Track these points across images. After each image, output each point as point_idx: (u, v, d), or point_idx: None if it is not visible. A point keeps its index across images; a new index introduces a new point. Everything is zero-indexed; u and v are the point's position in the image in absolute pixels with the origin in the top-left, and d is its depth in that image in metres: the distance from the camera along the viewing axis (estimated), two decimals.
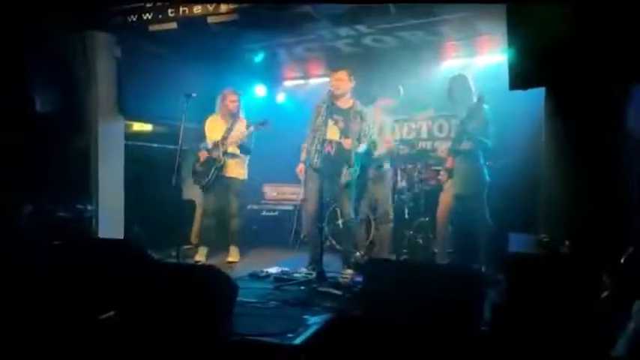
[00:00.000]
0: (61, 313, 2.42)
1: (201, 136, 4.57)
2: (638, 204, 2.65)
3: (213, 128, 4.52)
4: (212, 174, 4.39)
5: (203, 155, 4.45)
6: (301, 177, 4.14)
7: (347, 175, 3.92)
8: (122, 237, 4.40)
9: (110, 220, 4.41)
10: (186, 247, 4.82)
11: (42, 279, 2.71)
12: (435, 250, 4.16)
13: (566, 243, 2.60)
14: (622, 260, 1.97)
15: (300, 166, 4.10)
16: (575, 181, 2.89)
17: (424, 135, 5.47)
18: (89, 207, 4.19)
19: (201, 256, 4.42)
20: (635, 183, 2.66)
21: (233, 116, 4.52)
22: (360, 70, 4.28)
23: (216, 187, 4.47)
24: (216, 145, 4.43)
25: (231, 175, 4.48)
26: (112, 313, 2.42)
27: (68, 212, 3.96)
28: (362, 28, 4.49)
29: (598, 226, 2.65)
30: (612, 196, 2.71)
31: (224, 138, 4.43)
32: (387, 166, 4.51)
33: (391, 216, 4.49)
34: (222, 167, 4.41)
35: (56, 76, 4.23)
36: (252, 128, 4.39)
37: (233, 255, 4.53)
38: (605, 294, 1.95)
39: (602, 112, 2.78)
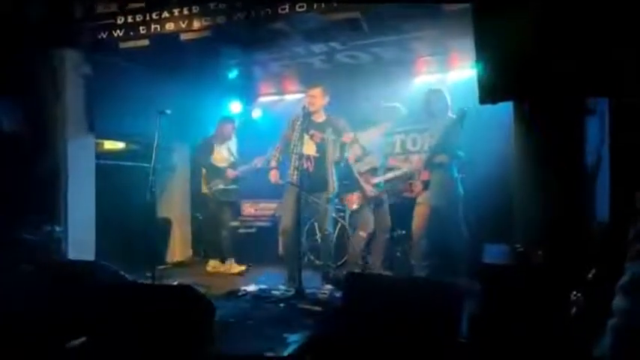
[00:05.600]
0: (31, 340, 2.32)
1: (173, 153, 4.46)
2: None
3: None
4: None
5: None
6: (274, 181, 4.10)
7: (333, 189, 3.92)
8: (93, 258, 4.26)
9: (81, 241, 4.26)
10: (161, 267, 4.70)
11: (9, 305, 2.59)
12: (413, 262, 4.19)
13: (539, 252, 2.65)
14: (589, 277, 1.99)
15: (274, 172, 4.07)
16: (544, 191, 2.97)
17: (397, 149, 5.53)
18: (58, 228, 4.05)
19: None
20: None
21: None
22: (334, 85, 4.32)
23: None
24: None
25: None
26: (83, 338, 2.33)
27: (35, 234, 3.82)
28: (335, 44, 4.55)
29: (567, 235, 2.72)
30: (581, 206, 2.80)
31: None
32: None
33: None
34: None
35: (23, 96, 4.12)
36: None
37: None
38: (574, 311, 1.96)
39: (569, 124, 2.88)
